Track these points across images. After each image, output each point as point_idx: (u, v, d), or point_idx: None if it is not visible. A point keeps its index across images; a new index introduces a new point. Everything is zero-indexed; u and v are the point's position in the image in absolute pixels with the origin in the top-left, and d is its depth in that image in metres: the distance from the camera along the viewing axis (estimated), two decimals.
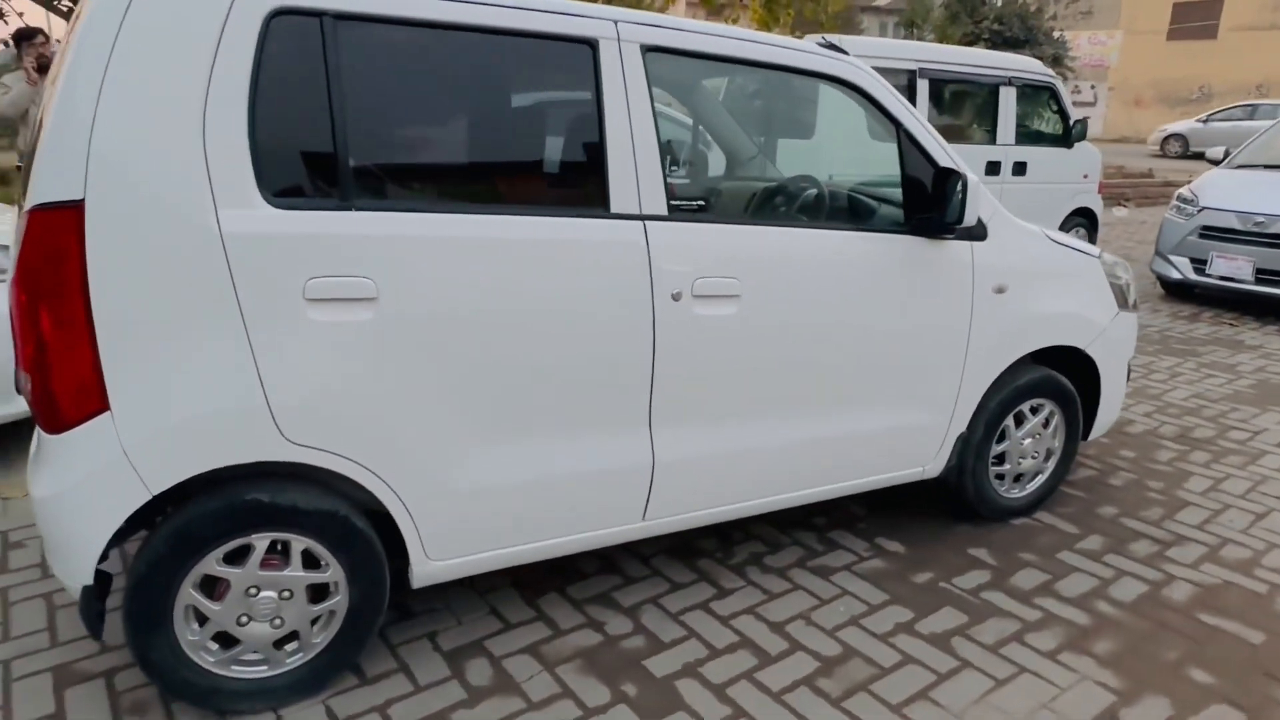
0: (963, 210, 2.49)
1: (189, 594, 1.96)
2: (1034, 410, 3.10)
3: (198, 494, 1.94)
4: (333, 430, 1.96)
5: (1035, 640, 2.47)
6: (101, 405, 1.78)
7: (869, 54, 6.38)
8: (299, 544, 2.04)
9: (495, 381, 2.11)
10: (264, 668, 2.09)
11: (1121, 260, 3.40)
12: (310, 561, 2.08)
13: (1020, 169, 7.17)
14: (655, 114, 2.24)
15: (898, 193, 2.68)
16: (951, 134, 7.11)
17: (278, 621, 2.06)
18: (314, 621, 2.13)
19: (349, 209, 1.92)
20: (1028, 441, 3.11)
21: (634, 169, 2.20)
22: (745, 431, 2.49)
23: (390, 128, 2.01)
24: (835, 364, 2.58)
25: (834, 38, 6.44)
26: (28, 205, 1.72)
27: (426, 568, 2.19)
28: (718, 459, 2.46)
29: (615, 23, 2.19)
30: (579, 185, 2.20)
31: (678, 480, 2.43)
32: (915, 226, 2.64)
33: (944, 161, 2.65)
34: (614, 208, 2.20)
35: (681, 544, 2.94)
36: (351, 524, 2.06)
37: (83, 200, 1.71)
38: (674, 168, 3.34)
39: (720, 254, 2.33)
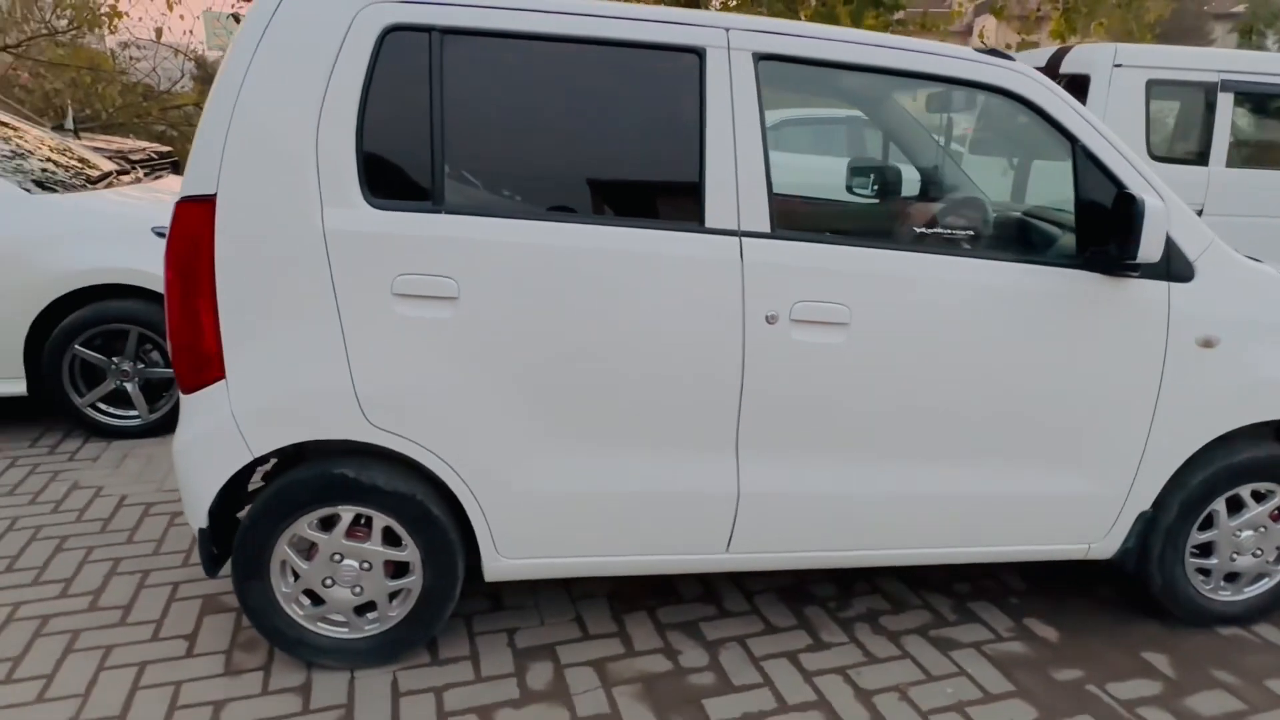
0: (1138, 242, 2.06)
1: (284, 550, 2.18)
2: (1258, 497, 2.49)
3: (298, 463, 2.16)
4: (410, 418, 2.08)
5: None
6: (219, 374, 2.05)
7: (1148, 63, 5.55)
8: (380, 521, 2.19)
9: (570, 390, 2.12)
10: (345, 630, 2.27)
11: None
12: (391, 540, 2.22)
13: None
14: (764, 124, 2.11)
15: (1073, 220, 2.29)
16: (1268, 159, 5.98)
17: (358, 589, 2.23)
18: (392, 596, 2.27)
19: (439, 212, 2.03)
20: (1247, 534, 2.50)
21: (734, 183, 2.10)
22: (849, 474, 2.27)
23: (487, 137, 2.09)
24: (965, 412, 2.26)
25: (1099, 46, 5.67)
26: (178, 197, 2.02)
27: (497, 563, 2.25)
28: (814, 499, 2.27)
29: (727, 30, 2.10)
30: (675, 198, 2.14)
31: (766, 515, 2.27)
32: (1088, 260, 2.23)
33: (1132, 184, 2.22)
34: (709, 222, 2.11)
35: (794, 585, 2.74)
36: (427, 509, 2.17)
37: (215, 194, 1.98)
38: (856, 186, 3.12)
39: (828, 277, 2.14)
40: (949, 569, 2.86)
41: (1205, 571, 2.55)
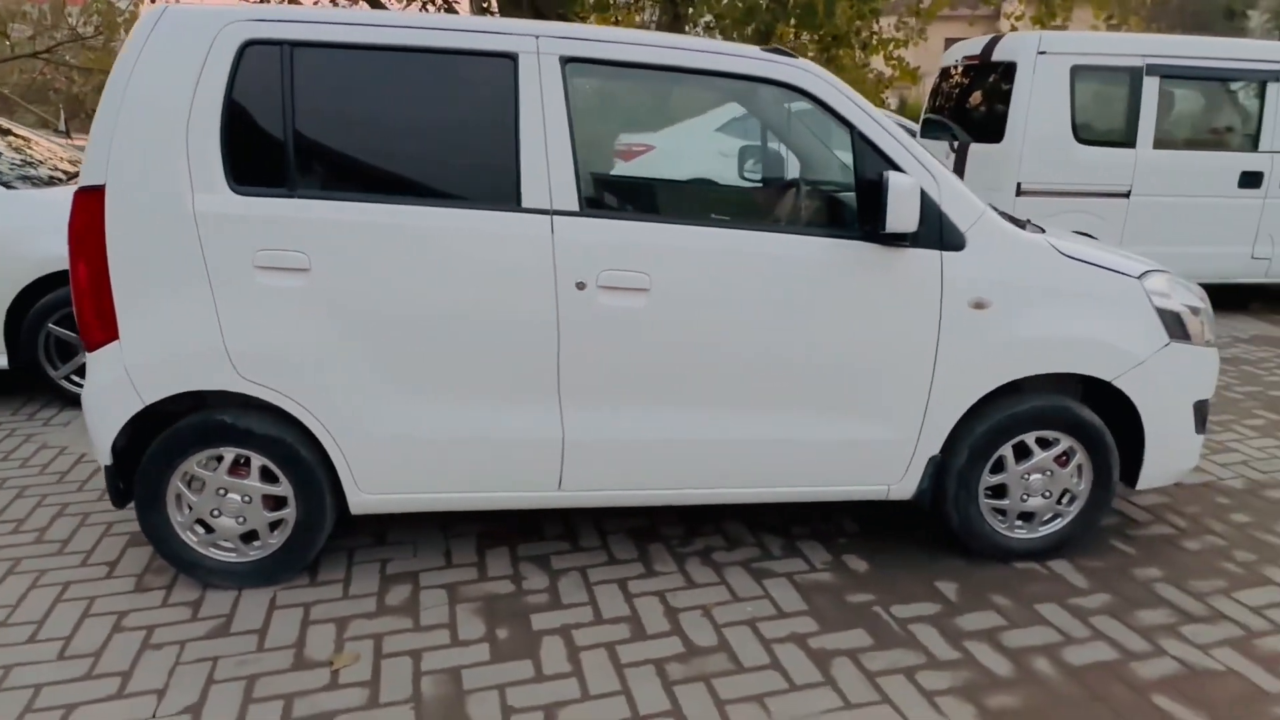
0: (885, 214, 2.37)
1: (177, 485, 2.59)
2: (1044, 444, 2.78)
3: (187, 412, 2.56)
4: (274, 372, 2.47)
5: (926, 678, 2.30)
6: (114, 335, 2.45)
7: (1071, 50, 5.77)
8: (257, 460, 2.58)
9: (408, 348, 2.49)
10: (233, 555, 2.67)
11: (1188, 283, 2.88)
12: (269, 478, 2.61)
13: None
14: (571, 116, 2.45)
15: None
16: (1194, 142, 6.15)
17: (242, 519, 2.63)
18: (272, 526, 2.66)
19: (291, 197, 2.41)
20: (1035, 478, 2.80)
21: (545, 167, 2.45)
22: (659, 421, 2.61)
23: (332, 132, 2.46)
24: (764, 367, 2.59)
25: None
26: (76, 187, 2.42)
27: (359, 497, 2.63)
28: (630, 443, 2.61)
29: (536, 37, 2.45)
30: (496, 183, 2.48)
31: (589, 457, 2.62)
32: (866, 233, 2.55)
33: (904, 164, 2.52)
34: (525, 203, 2.46)
35: (646, 527, 3.09)
36: (296, 450, 2.56)
37: (104, 185, 2.37)
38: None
39: (630, 249, 2.48)
40: (789, 513, 3.18)
41: (1002, 512, 2.85)
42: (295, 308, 2.44)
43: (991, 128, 6.01)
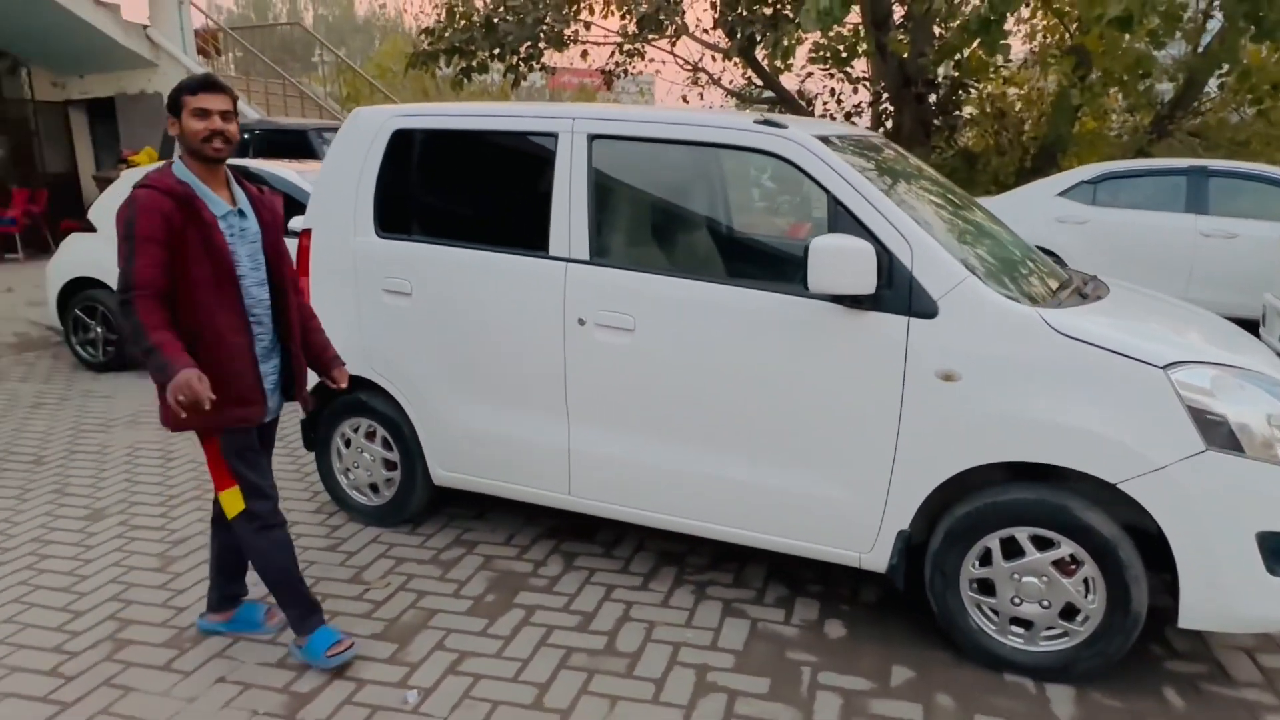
0: (808, 276, 2.43)
1: (337, 441, 3.63)
2: (1042, 544, 2.46)
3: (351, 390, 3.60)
4: (386, 368, 3.38)
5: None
6: None
7: None
8: (380, 431, 3.51)
9: (467, 360, 3.21)
10: (364, 499, 3.64)
11: (1243, 382, 2.26)
12: (387, 445, 3.52)
13: None
14: (591, 184, 2.95)
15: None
16: None
17: (369, 473, 3.58)
18: (387, 481, 3.57)
19: (406, 240, 3.30)
20: (1029, 580, 2.48)
21: (567, 222, 2.99)
22: (643, 446, 2.93)
23: (435, 195, 3.30)
24: (734, 410, 2.77)
25: None
26: (300, 227, 3.61)
27: (437, 472, 3.41)
28: (620, 461, 2.98)
29: (573, 119, 3.01)
30: (536, 234, 3.08)
31: (589, 468, 3.05)
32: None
33: (879, 229, 2.53)
34: (551, 251, 3.03)
35: (677, 551, 3.36)
36: (400, 428, 3.43)
37: (310, 229, 3.52)
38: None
39: (620, 293, 2.89)
40: (817, 569, 3.17)
41: (993, 611, 2.56)
42: (401, 321, 3.32)
43: None
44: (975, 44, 8.43)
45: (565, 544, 3.46)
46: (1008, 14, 7.65)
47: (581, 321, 2.96)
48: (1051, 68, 10.51)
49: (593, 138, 2.99)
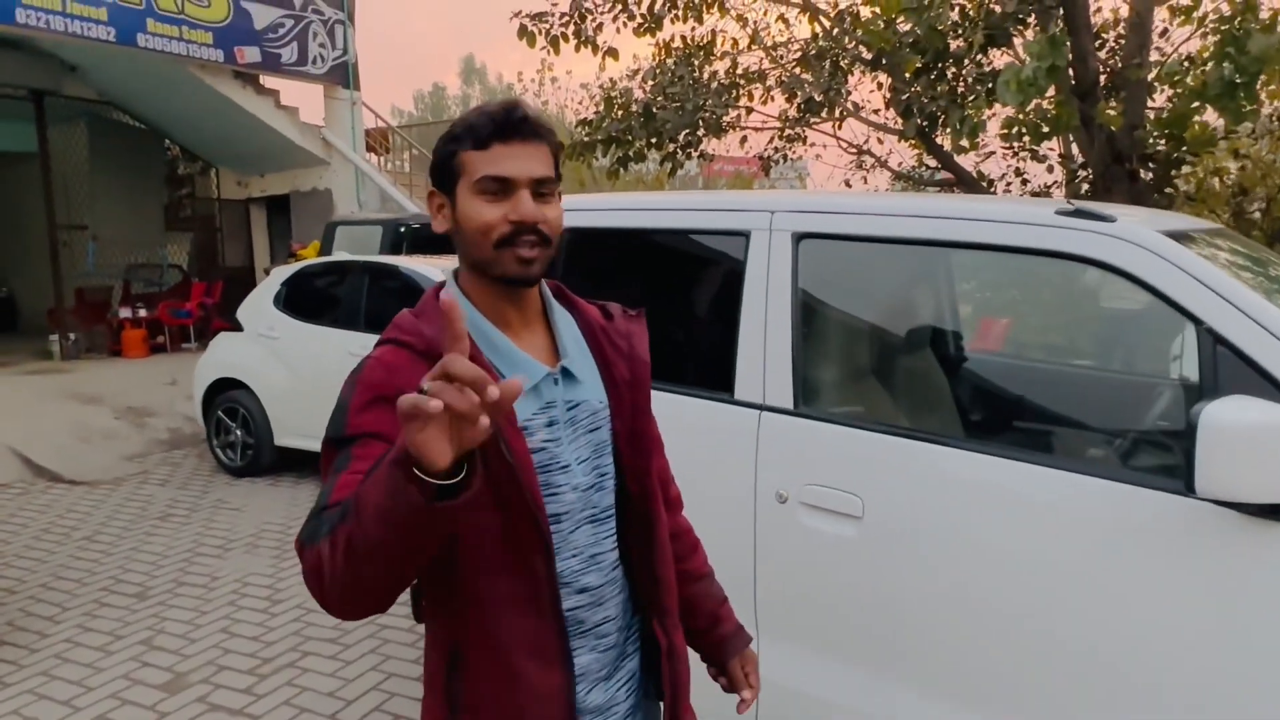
0: (1195, 468, 1.41)
1: None
2: None
3: None
4: None
5: None
6: None
7: None
8: None
9: None
10: None
11: None
12: None
13: None
14: (797, 300, 2.09)
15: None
16: None
17: None
18: None
19: None
20: None
21: (761, 355, 2.13)
22: (875, 693, 1.95)
23: None
24: (1019, 655, 1.76)
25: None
26: None
27: None
28: (822, 706, 2.01)
29: (770, 213, 2.17)
30: (717, 368, 2.24)
31: (778, 707, 2.09)
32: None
33: None
34: (738, 394, 2.17)
35: None
36: None
37: None
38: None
39: (840, 461, 1.97)
40: None
41: None
42: None
43: None
44: (1208, 111, 7.21)
45: None
46: (1260, 74, 6.42)
47: (781, 498, 2.05)
48: None
49: (799, 237, 2.13)
